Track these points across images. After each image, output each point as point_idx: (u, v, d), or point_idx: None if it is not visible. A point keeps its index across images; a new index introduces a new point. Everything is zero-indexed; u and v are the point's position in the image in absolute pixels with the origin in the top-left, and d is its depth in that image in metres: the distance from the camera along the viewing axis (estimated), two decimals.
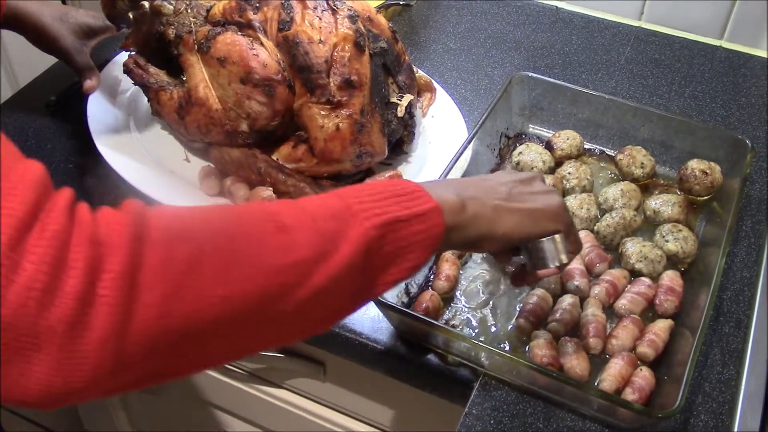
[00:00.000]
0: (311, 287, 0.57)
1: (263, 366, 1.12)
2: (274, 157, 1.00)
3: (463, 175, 1.01)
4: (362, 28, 1.00)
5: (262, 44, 0.97)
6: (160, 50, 1.05)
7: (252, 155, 1.00)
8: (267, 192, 0.98)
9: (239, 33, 0.98)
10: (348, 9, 1.00)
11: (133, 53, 1.09)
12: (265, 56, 0.96)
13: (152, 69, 1.05)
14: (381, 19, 1.05)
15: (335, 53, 0.97)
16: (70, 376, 0.47)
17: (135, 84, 1.07)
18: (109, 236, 0.48)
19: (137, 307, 0.48)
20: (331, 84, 0.96)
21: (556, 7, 1.46)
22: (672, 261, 0.97)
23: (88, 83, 1.10)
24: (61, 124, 1.16)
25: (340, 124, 0.96)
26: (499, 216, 0.72)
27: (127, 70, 1.06)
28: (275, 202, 0.61)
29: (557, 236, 0.76)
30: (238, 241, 0.54)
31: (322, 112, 0.96)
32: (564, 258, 0.76)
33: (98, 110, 1.09)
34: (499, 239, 0.73)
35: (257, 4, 1.00)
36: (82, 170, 1.08)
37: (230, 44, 0.97)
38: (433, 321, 0.86)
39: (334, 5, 1.00)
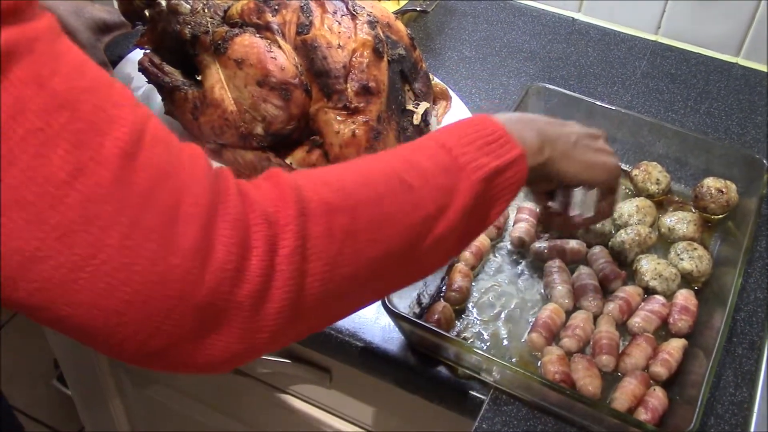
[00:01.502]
0: (435, 236, 0.64)
1: (269, 371, 1.11)
2: (288, 161, 0.99)
3: None
4: (381, 34, 0.99)
5: (280, 47, 0.96)
6: (176, 49, 1.04)
7: (266, 158, 0.99)
8: None
9: (257, 35, 0.98)
10: (367, 14, 0.99)
11: (148, 51, 1.08)
12: (282, 59, 0.95)
13: (167, 68, 1.04)
14: (400, 25, 1.05)
15: (354, 59, 0.96)
16: (251, 343, 0.53)
17: (149, 82, 1.06)
18: (277, 214, 0.53)
19: (307, 276, 0.54)
20: (349, 90, 0.95)
21: (573, 18, 1.45)
22: (686, 280, 0.96)
23: None
24: None
25: (356, 131, 0.95)
26: (563, 161, 0.78)
27: (142, 69, 1.05)
28: (394, 157, 0.67)
29: (592, 191, 0.82)
30: (382, 205, 0.61)
31: (339, 118, 0.96)
32: (590, 210, 0.83)
33: None
34: (554, 181, 0.80)
35: (276, 7, 0.99)
36: None
37: (248, 46, 0.96)
38: (444, 333, 0.85)
39: (354, 10, 0.99)
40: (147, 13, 1.07)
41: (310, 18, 0.97)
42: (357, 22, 0.98)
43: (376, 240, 0.59)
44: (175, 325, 0.49)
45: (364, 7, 1.00)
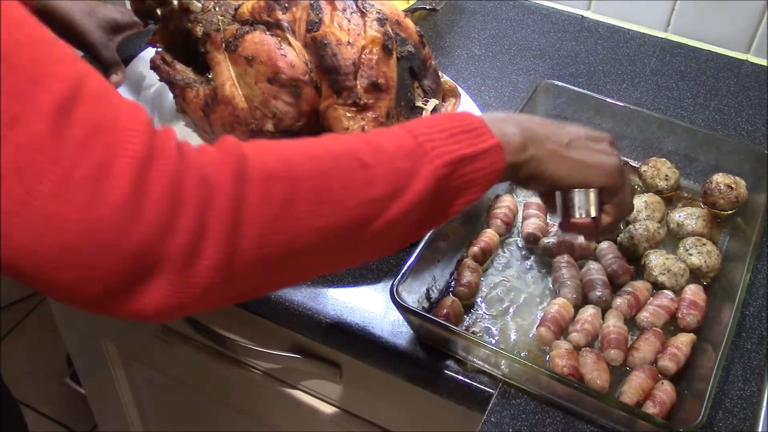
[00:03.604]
0: (387, 218, 0.63)
1: (279, 366, 1.12)
2: None
3: None
4: (390, 31, 1.00)
5: (290, 44, 0.97)
6: (187, 47, 1.06)
7: None
8: None
9: (267, 32, 0.98)
10: (377, 12, 1.00)
11: (159, 49, 1.09)
12: (292, 56, 0.96)
13: (179, 66, 1.06)
14: (409, 23, 1.05)
15: (363, 56, 0.96)
16: (183, 297, 0.54)
17: (161, 80, 1.07)
18: (215, 176, 0.54)
19: (240, 239, 0.55)
20: (358, 86, 0.96)
21: (582, 16, 1.45)
22: (695, 275, 0.97)
23: (114, 78, 1.11)
24: None
25: (366, 127, 0.96)
26: (552, 160, 0.75)
27: (154, 67, 1.06)
28: (355, 138, 0.67)
29: (591, 190, 0.77)
30: (328, 179, 0.60)
31: (348, 114, 0.96)
32: (593, 211, 0.78)
33: None
34: (546, 182, 0.76)
35: (286, 4, 1.00)
36: None
37: (258, 43, 0.97)
38: (453, 327, 0.86)
39: (363, 8, 1.00)
40: (158, 12, 1.08)
41: (320, 15, 0.98)
42: (366, 19, 0.99)
43: (318, 213, 0.59)
44: (108, 274, 0.51)
45: (373, 5, 1.01)
